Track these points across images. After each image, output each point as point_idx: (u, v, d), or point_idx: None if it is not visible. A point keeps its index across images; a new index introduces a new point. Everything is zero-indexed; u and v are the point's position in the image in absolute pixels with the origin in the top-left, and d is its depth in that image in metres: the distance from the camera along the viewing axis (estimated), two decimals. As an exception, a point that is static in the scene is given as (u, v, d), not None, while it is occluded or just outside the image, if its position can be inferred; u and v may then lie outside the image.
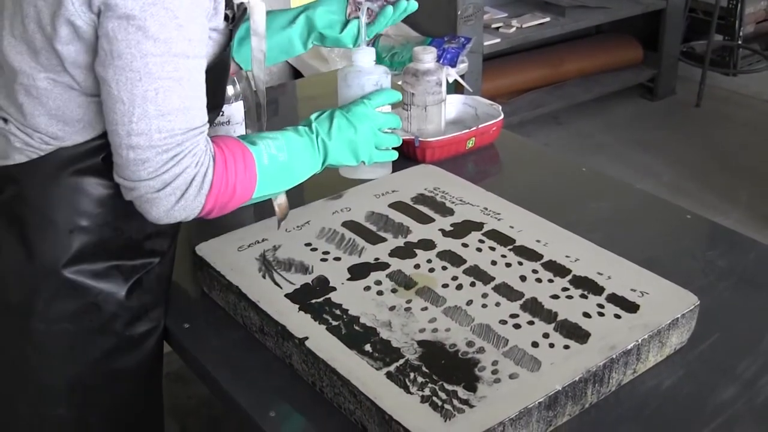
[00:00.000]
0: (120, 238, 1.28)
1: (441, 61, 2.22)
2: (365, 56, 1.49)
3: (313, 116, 1.37)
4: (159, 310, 1.38)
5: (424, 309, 1.28)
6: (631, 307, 1.27)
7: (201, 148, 1.19)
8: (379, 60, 3.32)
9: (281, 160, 1.29)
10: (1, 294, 1.27)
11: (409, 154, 1.87)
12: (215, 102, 1.35)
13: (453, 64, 2.25)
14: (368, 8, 1.52)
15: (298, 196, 1.67)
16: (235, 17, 1.30)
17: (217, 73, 1.29)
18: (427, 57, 1.87)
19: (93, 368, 1.32)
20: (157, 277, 1.36)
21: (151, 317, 1.36)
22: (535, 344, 1.20)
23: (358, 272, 1.37)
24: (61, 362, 1.30)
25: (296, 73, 3.73)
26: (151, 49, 1.11)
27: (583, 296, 1.30)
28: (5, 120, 1.23)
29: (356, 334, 1.23)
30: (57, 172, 1.21)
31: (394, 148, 1.47)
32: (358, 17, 1.52)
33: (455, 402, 1.10)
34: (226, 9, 1.26)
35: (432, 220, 1.51)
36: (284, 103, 2.37)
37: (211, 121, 1.36)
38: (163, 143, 1.14)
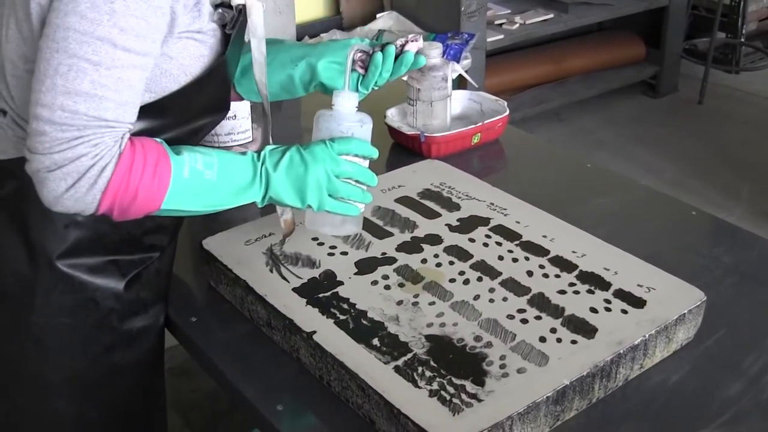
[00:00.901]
0: (117, 233, 1.28)
1: (444, 57, 2.22)
2: (345, 101, 1.32)
3: (268, 147, 1.28)
4: (159, 305, 1.38)
5: (432, 303, 1.29)
6: (638, 303, 1.27)
7: (106, 142, 1.12)
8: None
9: (207, 178, 1.20)
10: (1, 289, 1.27)
11: (414, 150, 1.88)
12: (218, 106, 1.34)
13: (457, 60, 2.26)
14: (361, 55, 1.40)
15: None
16: (234, 19, 1.26)
17: (216, 77, 1.27)
18: (433, 52, 1.87)
19: (92, 363, 1.32)
20: (157, 272, 1.36)
21: (151, 312, 1.36)
22: (542, 339, 1.20)
23: (365, 267, 1.37)
24: (59, 356, 1.30)
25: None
26: (75, 24, 1.07)
27: (590, 291, 1.30)
28: (4, 113, 1.23)
29: (364, 329, 1.24)
30: None
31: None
32: (355, 69, 1.40)
33: (463, 396, 1.11)
34: (222, 10, 1.23)
35: (438, 215, 1.52)
36: (287, 101, 2.36)
37: (215, 123, 1.37)
38: (62, 122, 1.09)
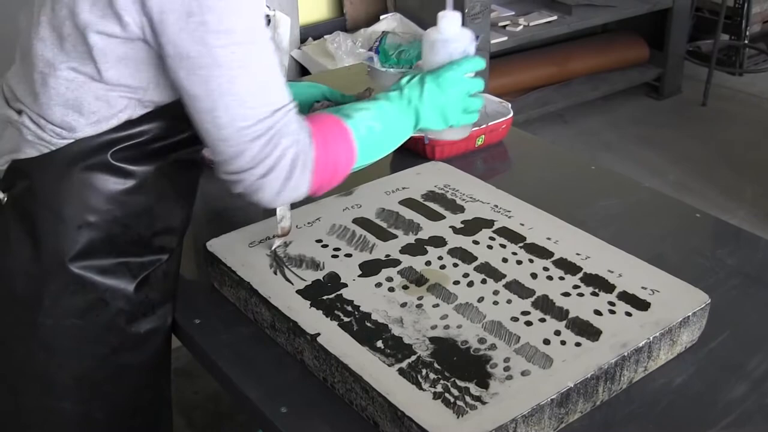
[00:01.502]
0: (128, 235, 1.28)
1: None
2: (452, 22, 1.39)
3: (402, 81, 1.36)
4: (166, 307, 1.38)
5: (436, 306, 1.29)
6: (642, 305, 1.27)
7: (294, 126, 1.19)
8: (386, 58, 3.32)
9: (377, 130, 1.29)
10: (10, 289, 1.27)
11: (418, 152, 1.87)
12: None
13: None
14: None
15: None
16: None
17: None
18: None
19: (99, 364, 1.32)
20: (165, 274, 1.36)
21: (158, 314, 1.36)
22: (546, 341, 1.20)
23: (369, 269, 1.38)
24: (67, 357, 1.30)
25: (303, 71, 3.73)
26: (215, 41, 1.11)
27: (594, 294, 1.30)
28: (20, 112, 1.24)
29: (368, 331, 1.24)
30: (67, 167, 1.22)
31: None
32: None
33: (467, 398, 1.11)
34: None
35: (443, 217, 1.52)
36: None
37: None
38: (252, 131, 1.15)
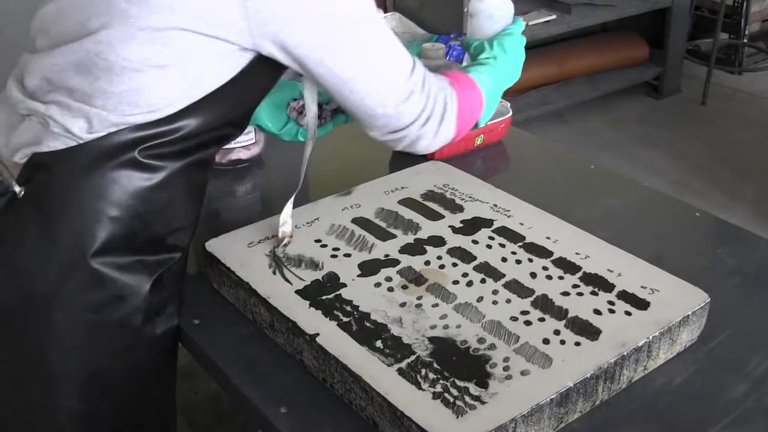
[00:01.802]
0: (146, 231, 1.28)
1: (447, 59, 2.21)
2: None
3: (477, 46, 1.57)
4: (175, 306, 1.38)
5: (435, 305, 1.28)
6: (642, 304, 1.27)
7: (431, 77, 1.38)
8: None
9: (491, 85, 1.49)
10: (24, 284, 1.26)
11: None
12: (241, 121, 1.39)
13: (459, 62, 2.25)
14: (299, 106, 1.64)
15: (307, 192, 1.67)
16: None
17: (259, 91, 1.38)
18: (437, 53, 1.87)
19: (111, 362, 1.32)
20: (175, 274, 1.36)
21: (168, 314, 1.36)
22: (546, 341, 1.20)
23: (368, 268, 1.37)
24: (79, 354, 1.29)
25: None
26: (347, 34, 1.27)
27: (593, 293, 1.30)
28: (45, 103, 1.24)
29: (367, 331, 1.23)
30: (94, 161, 1.22)
31: None
32: (295, 118, 1.65)
33: (467, 398, 1.10)
34: None
35: (442, 216, 1.51)
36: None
37: (233, 137, 1.41)
38: (405, 90, 1.33)
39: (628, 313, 1.25)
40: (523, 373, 1.15)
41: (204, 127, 1.27)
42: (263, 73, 1.32)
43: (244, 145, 1.81)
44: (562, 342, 1.20)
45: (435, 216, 1.52)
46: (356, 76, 1.30)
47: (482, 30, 1.60)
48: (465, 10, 3.66)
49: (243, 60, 1.26)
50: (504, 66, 1.53)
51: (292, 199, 1.45)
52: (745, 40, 5.05)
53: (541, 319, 1.25)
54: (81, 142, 1.22)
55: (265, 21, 1.21)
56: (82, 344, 1.28)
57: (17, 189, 1.25)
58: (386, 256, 1.40)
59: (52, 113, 1.22)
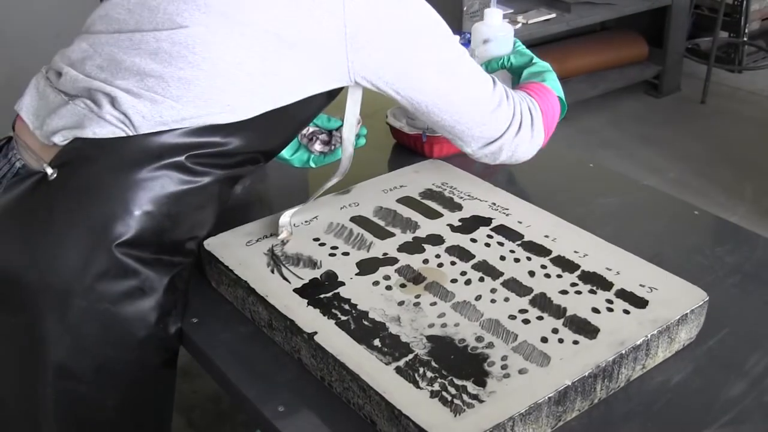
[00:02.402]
0: (173, 232, 1.30)
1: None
2: (496, 16, 1.76)
3: (513, 62, 1.72)
4: (181, 309, 1.38)
5: (433, 304, 1.28)
6: (640, 303, 1.27)
7: (508, 89, 1.51)
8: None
9: (553, 77, 1.65)
10: (46, 268, 1.24)
11: (416, 150, 1.87)
12: (269, 152, 1.44)
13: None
14: (321, 138, 1.68)
15: (305, 191, 1.67)
16: None
17: (302, 121, 1.44)
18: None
19: (120, 356, 1.31)
20: (184, 278, 1.37)
21: (176, 315, 1.36)
22: (544, 339, 1.20)
23: (366, 267, 1.37)
24: (91, 344, 1.29)
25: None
26: (446, 54, 1.42)
27: (592, 292, 1.30)
28: (110, 85, 1.26)
29: (365, 329, 1.23)
30: (139, 158, 1.24)
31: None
32: (305, 144, 1.68)
33: (465, 397, 1.10)
34: None
35: (440, 215, 1.51)
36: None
37: (251, 171, 1.45)
38: (491, 102, 1.46)
39: (626, 312, 1.25)
40: (521, 371, 1.14)
41: (249, 147, 1.33)
42: (321, 98, 1.38)
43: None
44: (561, 340, 1.20)
45: (433, 214, 1.51)
46: (449, 92, 1.42)
47: (500, 51, 1.73)
48: (464, 9, 3.65)
49: (329, 85, 1.37)
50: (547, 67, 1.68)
51: (292, 211, 1.47)
52: (745, 39, 5.04)
53: (540, 318, 1.25)
54: (131, 134, 1.24)
55: (364, 57, 1.33)
56: (96, 334, 1.28)
57: (49, 171, 1.26)
58: (385, 254, 1.40)
59: (117, 95, 1.24)
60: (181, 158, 1.26)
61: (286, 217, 1.46)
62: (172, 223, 1.29)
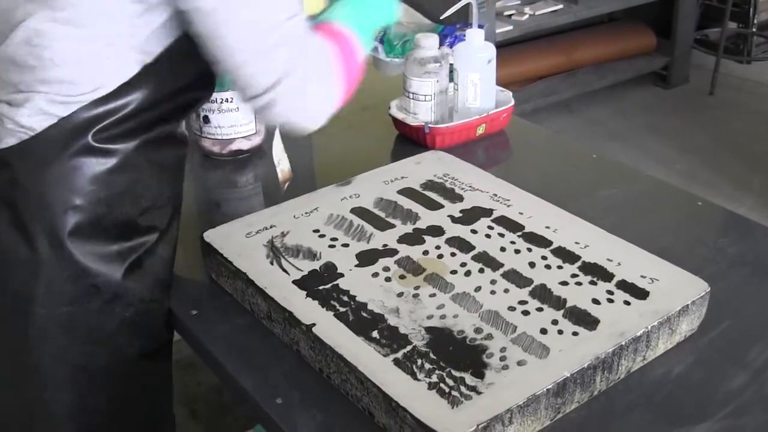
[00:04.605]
0: (113, 215, 1.27)
1: (446, 45, 2.23)
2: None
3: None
4: (162, 293, 1.37)
5: (432, 295, 1.28)
6: (641, 294, 1.26)
7: (308, 35, 1.26)
8: (390, 48, 3.31)
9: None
10: (5, 280, 1.26)
11: (419, 141, 1.87)
12: (206, 81, 1.36)
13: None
14: None
15: (306, 182, 1.66)
16: None
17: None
18: (430, 43, 1.87)
19: (94, 353, 1.31)
20: (157, 258, 1.35)
21: (153, 300, 1.35)
22: (543, 331, 1.19)
23: (366, 258, 1.36)
24: (63, 347, 1.29)
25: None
26: None
27: (592, 283, 1.29)
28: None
29: (364, 321, 1.23)
30: (49, 153, 1.21)
31: None
32: None
33: (463, 389, 1.10)
34: None
35: (441, 206, 1.51)
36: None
37: (202, 100, 1.40)
38: (271, 35, 1.20)
39: (627, 303, 1.24)
40: (520, 363, 1.14)
41: (154, 101, 1.26)
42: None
43: (245, 135, 1.80)
44: (560, 332, 1.19)
45: (434, 206, 1.51)
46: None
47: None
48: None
49: (157, 18, 1.22)
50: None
51: (278, 134, 1.44)
52: (754, 30, 5.02)
53: (539, 309, 1.24)
54: (32, 134, 1.21)
55: None
56: (63, 337, 1.28)
57: None
58: (384, 246, 1.39)
59: (2, 110, 1.22)
60: (87, 139, 1.21)
61: (278, 149, 1.43)
62: (107, 207, 1.25)
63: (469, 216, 1.47)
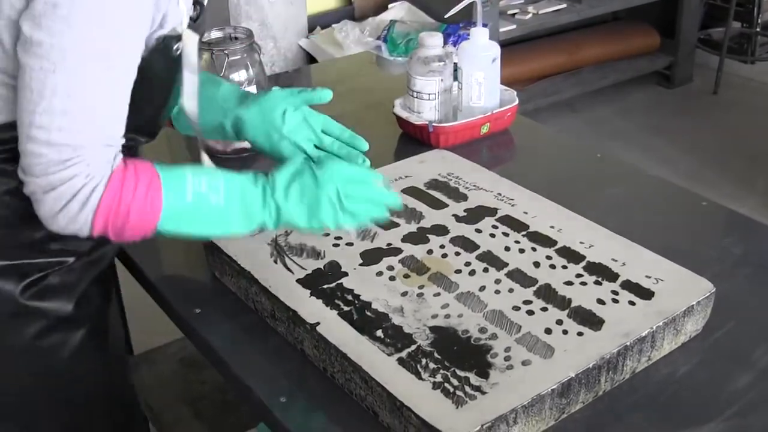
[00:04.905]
0: (17, 237, 1.22)
1: (450, 43, 2.23)
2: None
3: (277, 171, 1.26)
4: (83, 313, 1.31)
5: (437, 295, 1.27)
6: (646, 294, 1.26)
7: (100, 162, 1.12)
8: (394, 46, 3.32)
9: (213, 203, 1.20)
10: None
11: (422, 140, 1.86)
12: (149, 129, 1.33)
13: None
14: None
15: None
16: (177, 47, 1.25)
17: (156, 100, 1.29)
18: (434, 42, 1.86)
19: (11, 379, 1.29)
20: (74, 280, 1.29)
21: (74, 319, 1.30)
22: (548, 331, 1.19)
23: (370, 257, 1.36)
24: None
25: (311, 59, 3.72)
26: (71, 44, 1.06)
27: (597, 283, 1.29)
28: None
29: (368, 320, 1.22)
30: None
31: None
32: None
33: (467, 388, 1.10)
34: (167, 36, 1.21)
35: (445, 205, 1.50)
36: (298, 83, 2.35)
37: (140, 143, 1.33)
38: (60, 142, 1.09)
39: (631, 303, 1.24)
40: (525, 363, 1.13)
41: None
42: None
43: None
44: (565, 332, 1.19)
45: (438, 205, 1.50)
46: (40, 87, 1.08)
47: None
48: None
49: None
50: (294, 202, 1.25)
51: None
52: (758, 29, 5.00)
53: (544, 309, 1.24)
54: None
55: None
56: None
57: None
58: (389, 245, 1.39)
59: None
60: None
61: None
62: (9, 227, 1.21)
63: (474, 215, 1.47)
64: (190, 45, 1.27)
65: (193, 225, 1.22)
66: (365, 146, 1.47)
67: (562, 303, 1.25)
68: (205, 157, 1.38)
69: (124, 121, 1.15)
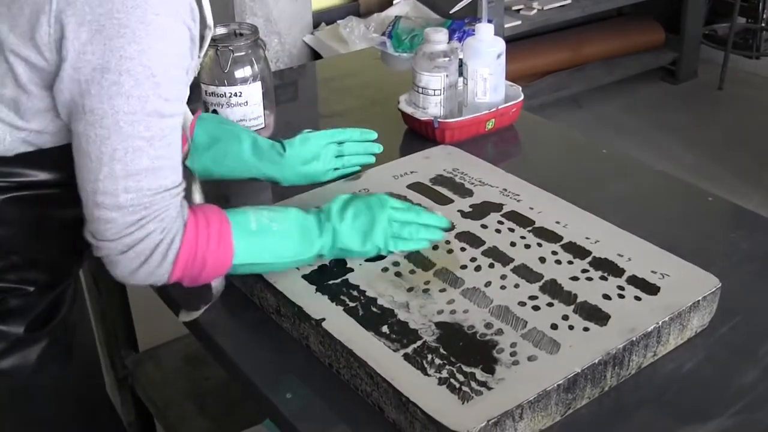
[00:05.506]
0: None
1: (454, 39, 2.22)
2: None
3: (331, 204, 1.33)
4: (39, 330, 1.27)
5: (443, 290, 1.27)
6: (652, 290, 1.26)
7: (171, 212, 1.15)
8: (399, 42, 3.31)
9: (275, 229, 1.26)
10: None
11: (428, 135, 1.86)
12: None
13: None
14: None
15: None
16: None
17: None
18: (439, 38, 1.86)
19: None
20: (33, 301, 1.25)
21: (30, 338, 1.25)
22: (554, 326, 1.19)
23: (375, 253, 1.36)
24: None
25: (315, 55, 3.72)
26: (123, 106, 1.07)
27: (603, 278, 1.29)
28: None
29: (373, 316, 1.22)
30: None
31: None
32: None
33: (473, 384, 1.09)
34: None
35: (451, 201, 1.50)
36: (303, 84, 2.36)
37: None
38: (130, 204, 1.11)
39: (637, 299, 1.24)
40: (531, 358, 1.13)
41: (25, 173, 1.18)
42: None
43: (254, 129, 1.80)
44: (571, 327, 1.19)
45: (444, 200, 1.50)
46: (99, 155, 1.09)
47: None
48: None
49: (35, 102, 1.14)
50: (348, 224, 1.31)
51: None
52: (763, 24, 4.99)
53: (550, 304, 1.23)
54: None
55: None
56: None
57: None
58: (394, 240, 1.39)
59: None
60: None
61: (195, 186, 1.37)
62: None
63: (479, 211, 1.47)
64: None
65: (260, 255, 1.25)
66: (374, 134, 1.63)
67: (568, 298, 1.24)
68: (196, 191, 1.37)
69: (181, 168, 1.18)
